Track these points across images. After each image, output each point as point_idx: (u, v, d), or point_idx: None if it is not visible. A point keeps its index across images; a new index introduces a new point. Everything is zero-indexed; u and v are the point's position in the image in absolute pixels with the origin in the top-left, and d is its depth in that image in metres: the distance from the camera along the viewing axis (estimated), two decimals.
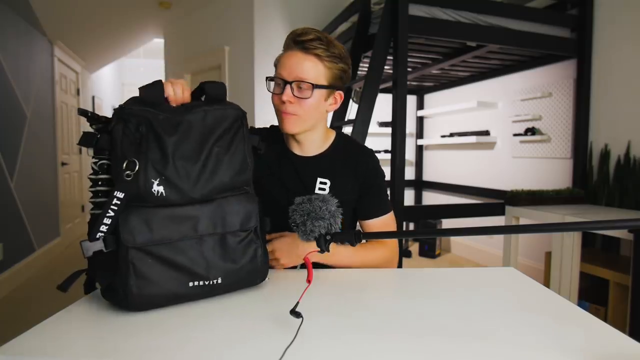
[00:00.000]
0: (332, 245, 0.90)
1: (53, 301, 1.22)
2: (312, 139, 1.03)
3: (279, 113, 0.97)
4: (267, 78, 1.00)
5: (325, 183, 1.03)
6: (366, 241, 1.06)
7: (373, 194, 1.06)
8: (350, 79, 1.09)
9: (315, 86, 0.93)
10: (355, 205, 1.08)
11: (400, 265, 2.23)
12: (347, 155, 1.06)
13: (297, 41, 0.93)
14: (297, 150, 1.05)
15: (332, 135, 1.08)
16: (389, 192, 1.15)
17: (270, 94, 0.99)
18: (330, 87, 0.97)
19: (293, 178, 1.04)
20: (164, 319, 0.67)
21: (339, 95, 1.02)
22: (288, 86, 0.93)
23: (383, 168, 1.10)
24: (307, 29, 0.94)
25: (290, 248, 0.94)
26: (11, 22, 3.21)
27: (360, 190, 1.05)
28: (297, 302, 0.62)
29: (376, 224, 1.07)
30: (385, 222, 1.07)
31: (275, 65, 0.99)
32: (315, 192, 1.02)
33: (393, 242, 1.09)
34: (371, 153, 1.09)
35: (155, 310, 0.70)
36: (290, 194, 1.00)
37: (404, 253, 3.84)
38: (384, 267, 1.04)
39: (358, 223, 1.11)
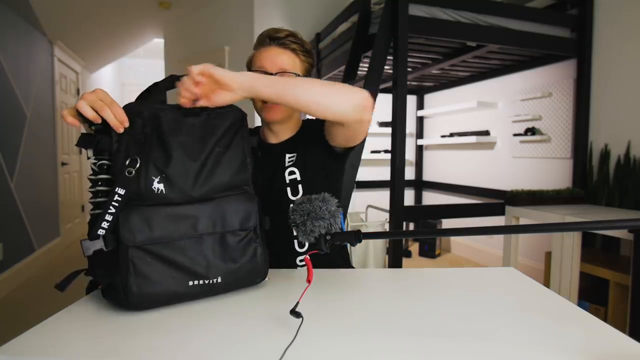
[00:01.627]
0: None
1: (53, 301, 1.22)
2: (286, 127, 1.10)
3: (262, 105, 1.03)
4: None
5: (293, 156, 1.07)
6: None
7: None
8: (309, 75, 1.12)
9: (297, 75, 1.02)
10: (328, 162, 1.05)
11: (400, 265, 2.23)
12: (310, 127, 1.11)
13: (274, 37, 1.02)
14: (272, 139, 1.12)
15: (301, 122, 1.17)
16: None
17: None
18: None
19: (267, 163, 1.08)
20: (164, 319, 0.67)
21: None
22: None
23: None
24: (279, 29, 1.03)
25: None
26: (11, 22, 3.21)
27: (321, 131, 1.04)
28: (297, 302, 0.62)
29: None
30: None
31: (249, 63, 1.07)
32: (286, 165, 1.06)
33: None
34: None
35: (155, 310, 0.70)
36: (264, 179, 1.05)
37: (404, 253, 3.84)
38: (346, 106, 0.82)
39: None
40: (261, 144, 1.11)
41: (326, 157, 1.06)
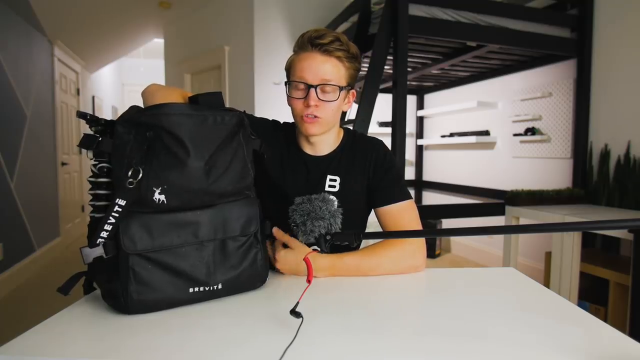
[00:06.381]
0: (334, 257, 0.90)
1: (53, 301, 1.22)
2: (326, 139, 1.03)
3: (301, 117, 0.95)
4: (286, 82, 0.97)
5: (335, 180, 1.02)
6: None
7: (388, 179, 1.02)
8: None
9: (341, 88, 0.94)
10: (369, 196, 1.04)
11: None
12: (356, 150, 1.05)
13: (316, 44, 0.92)
14: (309, 150, 1.04)
15: (342, 133, 1.08)
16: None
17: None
18: (349, 88, 0.98)
19: (303, 177, 1.03)
20: (163, 319, 0.67)
21: (352, 94, 1.02)
22: (312, 90, 0.92)
23: None
24: (323, 31, 0.93)
25: (297, 266, 0.90)
26: (11, 22, 3.21)
27: (374, 178, 1.02)
28: (297, 302, 0.62)
29: (394, 210, 1.00)
30: (405, 208, 1.00)
31: (288, 68, 0.98)
32: (325, 189, 1.01)
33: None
34: (380, 142, 1.07)
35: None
36: (300, 193, 1.00)
37: None
38: (406, 269, 0.94)
39: (373, 212, 1.05)
40: (299, 153, 1.04)
41: (367, 193, 1.04)
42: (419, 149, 4.43)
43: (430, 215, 2.93)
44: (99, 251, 0.65)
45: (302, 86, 0.93)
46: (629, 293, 1.79)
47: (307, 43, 0.93)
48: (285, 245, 0.93)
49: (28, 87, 3.48)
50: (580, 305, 2.08)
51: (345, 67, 0.95)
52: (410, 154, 4.39)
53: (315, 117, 0.94)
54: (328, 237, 0.73)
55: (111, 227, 0.65)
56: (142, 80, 6.81)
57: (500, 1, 2.47)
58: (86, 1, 3.66)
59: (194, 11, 4.16)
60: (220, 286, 0.73)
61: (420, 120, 4.40)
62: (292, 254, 0.91)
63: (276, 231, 0.94)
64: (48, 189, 3.97)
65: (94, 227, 0.68)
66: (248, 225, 0.77)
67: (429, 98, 4.35)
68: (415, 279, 0.92)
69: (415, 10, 2.19)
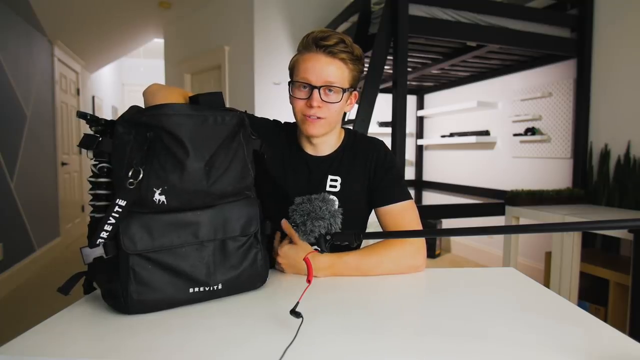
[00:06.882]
0: (334, 256, 0.91)
1: (53, 301, 1.22)
2: (327, 139, 1.03)
3: (303, 117, 0.96)
4: (289, 82, 0.98)
5: (336, 180, 1.02)
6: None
7: (389, 179, 1.02)
8: None
9: (344, 90, 0.95)
10: (370, 196, 1.04)
11: None
12: (357, 150, 1.05)
13: (321, 45, 0.92)
14: (310, 150, 1.05)
15: (343, 133, 1.08)
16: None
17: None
18: (351, 89, 0.99)
19: (305, 177, 1.03)
20: (163, 319, 0.67)
21: (354, 95, 1.03)
22: (316, 91, 0.92)
23: None
24: (327, 32, 0.93)
25: (297, 263, 0.91)
26: (11, 22, 3.21)
27: (375, 178, 1.03)
28: (297, 302, 0.62)
29: (394, 210, 1.00)
30: (405, 208, 1.01)
31: (292, 68, 0.98)
32: (326, 189, 1.02)
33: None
34: (381, 143, 1.07)
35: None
36: (301, 193, 1.01)
37: None
38: (406, 269, 0.94)
39: (374, 212, 1.06)
40: (300, 153, 1.04)
41: (368, 193, 1.05)
42: (419, 149, 4.43)
43: (430, 215, 2.93)
44: (99, 251, 0.65)
45: (305, 87, 0.94)
46: (629, 293, 1.79)
47: (312, 44, 0.93)
48: (290, 241, 0.94)
49: (28, 87, 3.48)
50: (580, 305, 2.08)
51: (349, 69, 0.95)
52: (410, 154, 4.39)
53: (318, 117, 0.94)
54: (328, 237, 0.72)
55: (111, 227, 0.65)
56: (142, 80, 6.81)
57: (500, 1, 2.47)
58: (86, 1, 3.66)
59: (194, 11, 4.16)
60: (220, 286, 0.73)
61: (420, 120, 4.40)
62: (294, 250, 0.91)
63: (284, 223, 0.95)
64: (48, 189, 3.97)
65: (94, 227, 0.68)
66: (248, 225, 0.77)
67: (429, 98, 4.35)
68: (415, 279, 0.92)
69: (415, 10, 2.19)
